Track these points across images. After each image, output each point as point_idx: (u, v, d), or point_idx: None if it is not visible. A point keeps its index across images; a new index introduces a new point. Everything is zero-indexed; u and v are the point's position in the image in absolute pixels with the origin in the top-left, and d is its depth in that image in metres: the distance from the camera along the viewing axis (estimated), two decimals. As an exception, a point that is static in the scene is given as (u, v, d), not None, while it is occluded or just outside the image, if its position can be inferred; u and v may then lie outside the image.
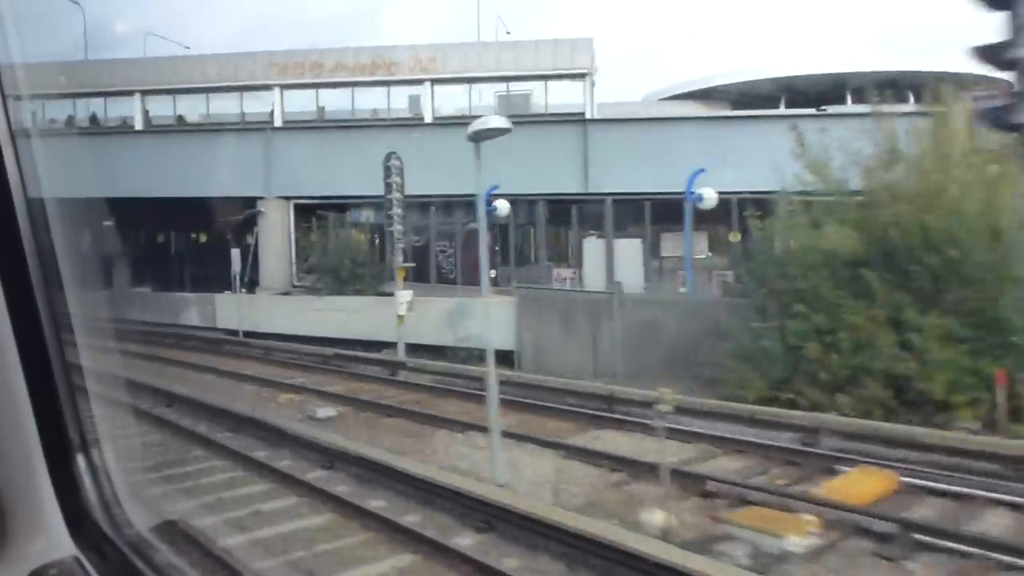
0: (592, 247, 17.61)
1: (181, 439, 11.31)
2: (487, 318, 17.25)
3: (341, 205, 24.35)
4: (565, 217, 23.02)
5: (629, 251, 16.76)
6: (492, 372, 8.61)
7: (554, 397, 13.12)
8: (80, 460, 1.61)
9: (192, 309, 25.35)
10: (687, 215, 16.78)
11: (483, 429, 11.13)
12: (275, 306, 22.18)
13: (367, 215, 24.29)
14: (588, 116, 23.34)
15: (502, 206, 19.59)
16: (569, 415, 12.13)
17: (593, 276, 17.18)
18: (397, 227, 17.19)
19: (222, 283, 28.20)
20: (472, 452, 10.07)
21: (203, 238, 32.54)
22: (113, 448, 1.80)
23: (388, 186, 17.17)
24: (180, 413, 13.03)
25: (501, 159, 24.08)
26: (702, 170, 16.46)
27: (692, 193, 16.37)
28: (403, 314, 16.86)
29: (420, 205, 22.24)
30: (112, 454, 1.77)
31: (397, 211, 17.17)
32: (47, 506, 1.50)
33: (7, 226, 1.44)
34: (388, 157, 17.19)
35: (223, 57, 25.31)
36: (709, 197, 16.18)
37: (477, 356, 17.20)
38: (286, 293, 23.56)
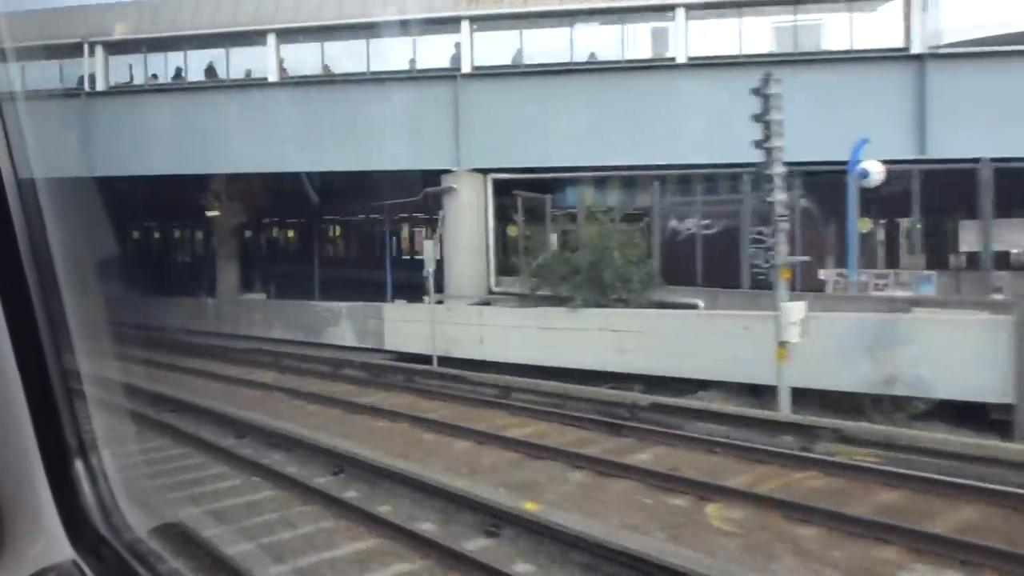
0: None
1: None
2: (937, 347, 10.27)
3: (554, 180, 17.61)
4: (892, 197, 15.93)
5: None
6: None
7: None
8: (78, 464, 1.59)
9: (343, 324, 18.75)
10: None
11: None
12: (486, 322, 15.39)
13: (589, 193, 17.45)
14: (919, 51, 16.22)
15: (874, 170, 12.59)
16: None
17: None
18: (779, 196, 10.18)
19: (366, 288, 21.76)
20: None
21: (339, 230, 26.01)
22: (111, 452, 1.73)
23: (765, 127, 10.19)
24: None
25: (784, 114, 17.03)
26: None
27: None
28: (793, 340, 9.90)
29: (705, 178, 15.43)
30: (110, 458, 1.71)
31: (779, 170, 10.17)
32: (45, 510, 1.48)
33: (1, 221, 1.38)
34: (764, 81, 10.22)
35: (386, -17, 18.74)
36: None
37: (943, 414, 10.17)
38: (485, 302, 16.78)
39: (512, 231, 18.32)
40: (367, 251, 27.49)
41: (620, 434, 10.51)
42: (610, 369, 13.33)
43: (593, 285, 13.98)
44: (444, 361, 15.61)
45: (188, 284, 25.36)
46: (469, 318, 15.54)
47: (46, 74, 20.19)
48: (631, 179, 17.63)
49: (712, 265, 14.27)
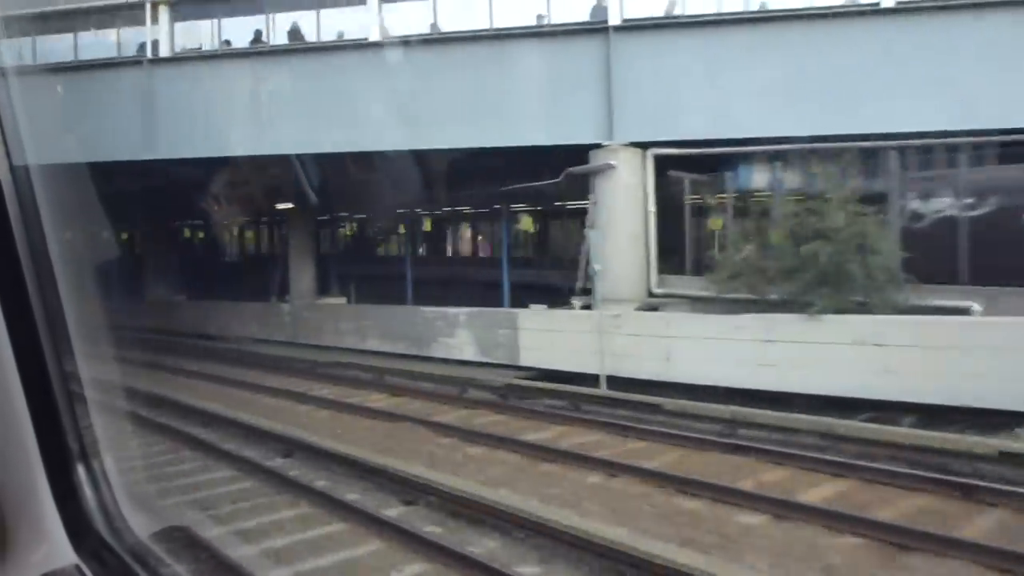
0: None
1: None
2: None
3: (722, 157, 14.34)
4: None
5: None
6: None
7: None
8: (80, 469, 1.56)
9: (461, 334, 15.55)
10: None
11: None
12: (675, 333, 12.08)
13: (769, 175, 14.17)
14: None
15: None
16: None
17: None
18: None
19: (466, 290, 18.68)
20: None
21: (430, 224, 22.80)
22: (113, 456, 1.72)
23: None
24: None
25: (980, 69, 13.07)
26: None
27: None
28: None
29: (947, 149, 12.02)
30: (112, 462, 1.69)
31: None
32: (47, 515, 1.46)
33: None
34: None
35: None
36: None
37: None
38: (652, 307, 13.51)
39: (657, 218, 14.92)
40: (465, 247, 24.44)
41: (975, 499, 7.19)
42: (869, 396, 9.99)
43: (828, 286, 10.65)
44: (610, 382, 12.36)
45: (252, 286, 22.35)
46: (648, 328, 12.26)
47: (103, 41, 17.33)
48: (822, 153, 14.29)
49: (982, 256, 10.86)
